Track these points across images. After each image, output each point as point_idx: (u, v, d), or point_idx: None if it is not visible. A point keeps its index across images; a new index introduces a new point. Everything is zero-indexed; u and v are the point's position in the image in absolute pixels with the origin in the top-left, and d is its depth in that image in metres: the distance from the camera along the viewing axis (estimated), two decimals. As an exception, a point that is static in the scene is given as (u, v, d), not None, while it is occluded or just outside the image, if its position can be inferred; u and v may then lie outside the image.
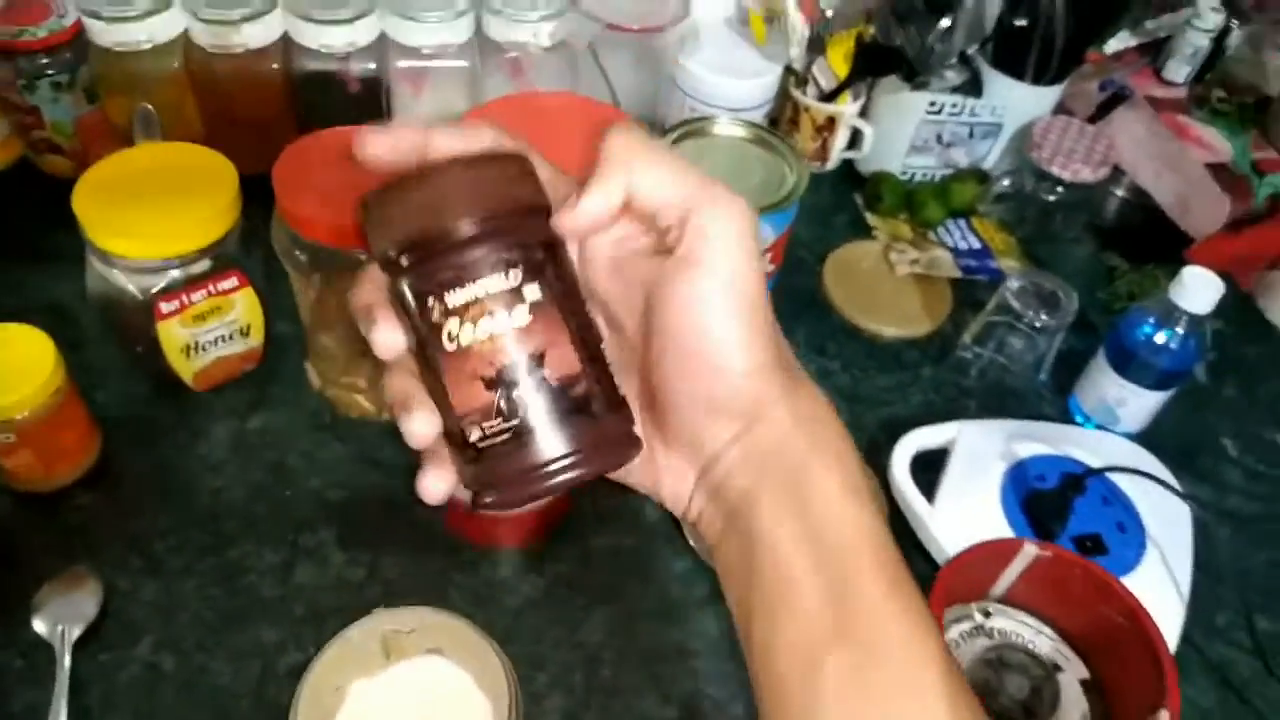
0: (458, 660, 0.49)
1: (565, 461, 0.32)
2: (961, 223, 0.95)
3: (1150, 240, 0.93)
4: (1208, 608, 0.66)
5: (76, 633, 0.59)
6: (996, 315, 0.78)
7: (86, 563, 0.62)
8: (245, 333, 0.70)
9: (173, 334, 0.66)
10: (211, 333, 0.68)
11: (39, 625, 0.59)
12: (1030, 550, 0.48)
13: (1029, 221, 0.93)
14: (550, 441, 0.32)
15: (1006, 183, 0.92)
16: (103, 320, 0.72)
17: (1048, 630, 0.51)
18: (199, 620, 0.61)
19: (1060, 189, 0.90)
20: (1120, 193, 0.97)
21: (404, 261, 0.33)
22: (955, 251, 0.92)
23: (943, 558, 0.67)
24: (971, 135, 0.94)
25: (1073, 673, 0.49)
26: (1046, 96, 0.92)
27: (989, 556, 0.49)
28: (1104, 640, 0.49)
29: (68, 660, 0.58)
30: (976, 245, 0.92)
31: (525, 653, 0.61)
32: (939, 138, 0.93)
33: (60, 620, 0.59)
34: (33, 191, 0.83)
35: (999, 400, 0.80)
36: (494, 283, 0.32)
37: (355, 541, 0.66)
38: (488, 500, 0.33)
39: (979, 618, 0.51)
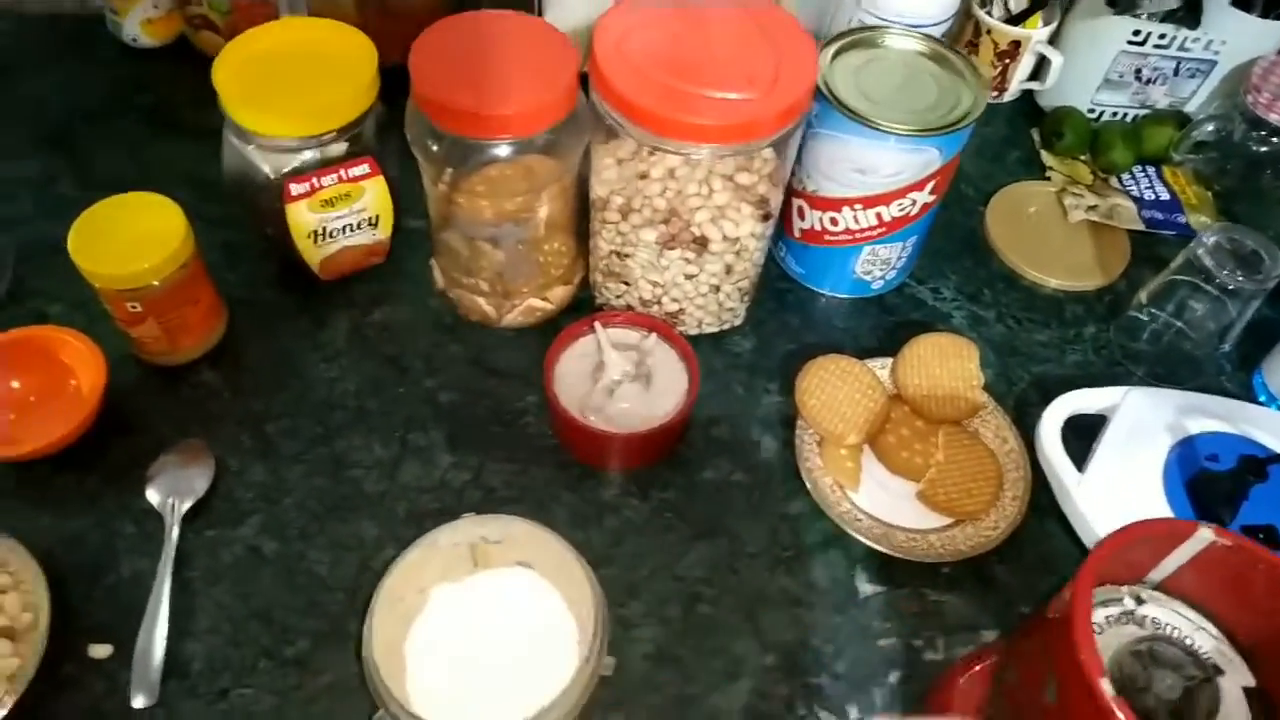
0: (546, 576, 0.47)
1: None
2: (1150, 170, 0.85)
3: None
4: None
5: (186, 506, 0.60)
6: (1182, 274, 0.69)
7: (201, 438, 0.63)
8: (373, 223, 0.69)
9: (301, 217, 0.65)
10: (340, 219, 0.67)
11: (152, 495, 0.60)
12: (1205, 535, 0.42)
13: (1230, 175, 0.83)
14: None
15: (1210, 128, 0.82)
16: (237, 201, 0.72)
17: (1210, 627, 0.44)
18: (303, 508, 0.61)
19: (1275, 139, 0.79)
20: (1344, 149, 0.85)
21: None
22: (1140, 202, 0.82)
23: (1087, 533, 0.61)
24: (1177, 72, 0.83)
25: (1236, 678, 0.43)
26: (1275, 32, 0.80)
27: (1156, 536, 0.43)
28: (1278, 646, 0.42)
29: (175, 532, 0.59)
30: (1165, 197, 0.83)
31: (621, 578, 0.58)
32: (1138, 73, 0.83)
33: (172, 493, 0.60)
34: (187, 68, 0.83)
35: (1170, 369, 0.71)
36: None
37: (464, 445, 0.64)
38: None
39: (1130, 603, 0.45)
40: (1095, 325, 0.75)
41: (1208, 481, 0.60)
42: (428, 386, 0.68)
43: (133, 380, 0.66)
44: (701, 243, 0.63)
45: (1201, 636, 0.44)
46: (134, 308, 0.61)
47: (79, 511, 0.60)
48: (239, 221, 0.74)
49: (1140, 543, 0.43)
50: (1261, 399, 0.71)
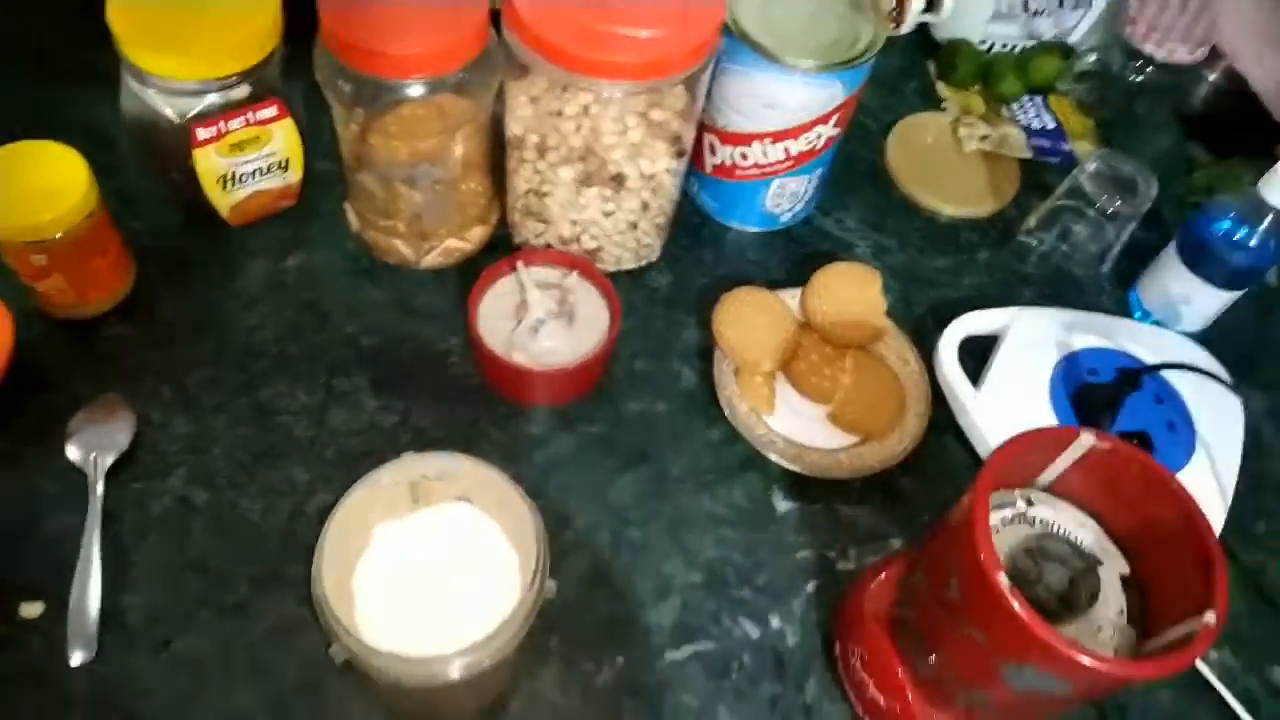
0: (486, 510, 0.48)
1: None
2: (1038, 100, 0.89)
3: (1239, 132, 0.86)
4: (1248, 514, 0.64)
5: (109, 461, 0.59)
6: (1066, 199, 0.74)
7: (119, 392, 0.62)
8: (283, 167, 0.68)
9: (209, 163, 0.64)
10: (249, 164, 0.66)
11: (72, 452, 0.59)
12: (1087, 440, 0.46)
13: (1110, 104, 0.88)
14: None
15: (1092, 59, 0.86)
16: (138, 147, 0.70)
17: (1091, 523, 0.49)
18: (230, 457, 0.61)
19: (1150, 70, 0.84)
20: (1213, 78, 0.90)
21: None
22: (1028, 131, 0.86)
23: (983, 445, 0.66)
24: (1061, 4, 0.87)
25: (1114, 567, 0.48)
26: (1147, -35, 0.84)
27: (1043, 443, 0.47)
28: (1150, 538, 0.47)
29: (100, 488, 0.58)
30: (1051, 125, 0.87)
31: (553, 509, 0.60)
32: (1025, 4, 0.87)
33: (93, 448, 0.60)
34: (66, 3, 0.79)
35: (1056, 290, 0.76)
36: None
37: (389, 388, 0.65)
38: None
39: (1021, 505, 0.49)
40: (989, 250, 0.79)
41: (1089, 393, 0.65)
42: (349, 331, 0.68)
43: (41, 336, 0.64)
44: (619, 180, 0.64)
45: (1084, 532, 0.49)
46: (39, 261, 0.60)
47: (-4, 471, 0.59)
48: (134, 168, 0.71)
49: (1030, 449, 0.47)
50: (1137, 315, 0.76)
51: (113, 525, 0.58)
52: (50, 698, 0.52)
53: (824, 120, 0.68)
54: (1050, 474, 0.50)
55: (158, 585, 0.56)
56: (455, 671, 0.42)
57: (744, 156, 0.71)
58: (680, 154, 0.65)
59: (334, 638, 0.42)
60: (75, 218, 0.59)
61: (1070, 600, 0.47)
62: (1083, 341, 0.68)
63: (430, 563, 0.47)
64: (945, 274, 0.77)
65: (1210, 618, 0.41)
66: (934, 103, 0.89)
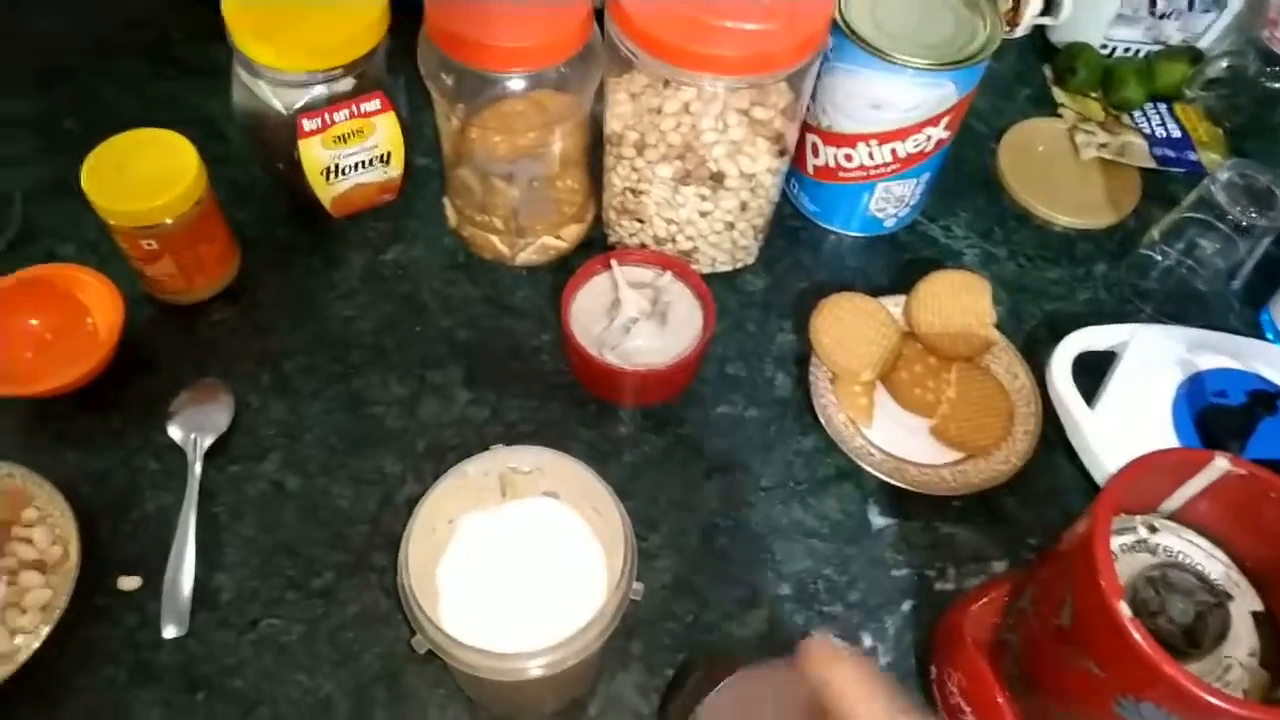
0: (573, 506, 0.47)
1: None
2: (1162, 107, 0.84)
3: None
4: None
5: (208, 442, 0.60)
6: (1194, 211, 0.69)
7: (220, 377, 0.63)
8: (385, 160, 0.69)
9: (314, 153, 0.65)
10: (352, 156, 0.67)
11: (174, 432, 0.61)
12: (1221, 464, 0.42)
13: (1242, 112, 0.82)
14: None
15: (1224, 64, 0.81)
16: (247, 139, 0.71)
17: (1220, 555, 0.46)
18: (324, 444, 0.62)
19: (1288, 75, 0.78)
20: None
21: None
22: (1151, 139, 0.82)
23: (1096, 467, 0.62)
24: (1192, 6, 0.82)
25: (1245, 604, 0.44)
26: (1290, -35, 0.79)
27: (1172, 465, 0.44)
28: (1286, 574, 0.43)
29: (198, 467, 0.59)
30: (1176, 134, 0.82)
31: (639, 511, 0.59)
32: (1152, 6, 0.82)
33: (193, 429, 0.61)
34: (187, 2, 0.82)
35: (1180, 307, 0.72)
36: None
37: (481, 382, 0.65)
38: None
39: (1143, 532, 0.46)
40: (1105, 263, 0.75)
41: (1216, 415, 0.61)
42: (443, 325, 0.68)
43: (148, 319, 0.66)
44: (718, 178, 0.63)
45: (1212, 564, 0.45)
46: (150, 245, 0.61)
47: (102, 448, 0.61)
48: (244, 160, 0.73)
49: (1157, 470, 0.44)
50: (1269, 337, 0.71)
51: (209, 505, 0.59)
52: (142, 668, 0.53)
53: (934, 122, 0.66)
54: (1175, 501, 0.46)
55: (249, 566, 0.57)
56: (536, 670, 0.41)
57: (848, 158, 0.69)
58: (782, 153, 0.63)
59: (417, 628, 0.41)
60: (185, 204, 0.61)
61: (1195, 636, 0.43)
62: (1210, 362, 0.64)
63: (515, 557, 0.46)
64: (1059, 286, 0.73)
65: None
66: (1049, 109, 0.85)
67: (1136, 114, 0.84)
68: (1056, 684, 0.45)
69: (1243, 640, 0.43)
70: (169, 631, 0.54)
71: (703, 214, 0.66)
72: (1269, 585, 0.45)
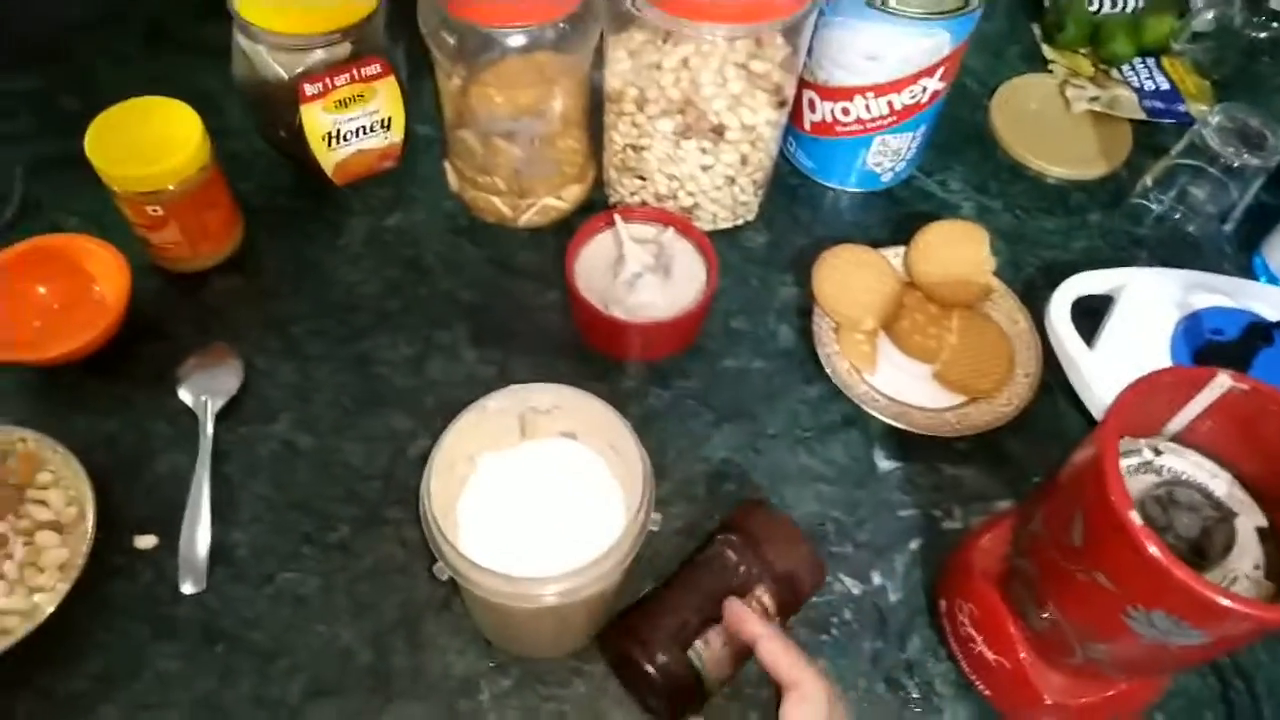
0: (591, 445, 0.48)
1: None
2: (1150, 61, 0.85)
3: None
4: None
5: (219, 405, 0.61)
6: (1185, 158, 0.70)
7: (228, 342, 0.64)
8: (386, 125, 0.69)
9: (316, 119, 0.65)
10: (353, 121, 0.67)
11: (184, 395, 0.61)
12: (1224, 381, 0.43)
13: (1228, 64, 0.84)
14: None
15: (1210, 15, 0.82)
16: (248, 109, 0.72)
17: (1224, 474, 0.46)
18: (334, 404, 0.62)
19: (1275, 24, 0.79)
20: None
21: None
22: (1140, 92, 0.83)
23: (1097, 406, 0.63)
24: (1176, -41, 0.83)
25: (1250, 519, 0.45)
26: (1272, -85, 0.80)
27: (1174, 384, 0.44)
28: (1290, 490, 0.44)
29: (210, 428, 0.60)
30: (1165, 86, 0.83)
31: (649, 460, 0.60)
32: (1138, -40, 0.83)
33: (203, 392, 0.61)
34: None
35: (1173, 252, 0.73)
36: None
37: (487, 341, 0.65)
38: None
39: (1148, 454, 0.46)
40: (1099, 212, 0.76)
41: (1214, 350, 0.62)
42: (447, 287, 0.68)
43: (154, 287, 0.66)
44: (719, 131, 0.63)
45: (1216, 483, 0.46)
46: (155, 211, 0.62)
47: (113, 413, 0.61)
48: (245, 132, 0.74)
49: (1162, 389, 0.45)
50: (1262, 279, 0.72)
51: (222, 465, 0.59)
52: (161, 623, 0.53)
53: (929, 73, 0.66)
54: (1178, 423, 0.47)
55: (264, 523, 0.57)
56: (552, 597, 0.42)
57: (845, 112, 0.70)
58: (781, 104, 0.64)
59: (439, 554, 0.42)
60: (189, 169, 0.61)
61: (1203, 550, 0.44)
62: (1205, 301, 0.65)
63: (534, 493, 0.46)
64: (1054, 236, 0.74)
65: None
66: (1039, 66, 0.86)
67: (1125, 68, 0.85)
68: (1069, 603, 0.46)
69: (1248, 554, 0.44)
70: (187, 587, 0.54)
71: (704, 168, 0.66)
72: (1273, 501, 0.45)
